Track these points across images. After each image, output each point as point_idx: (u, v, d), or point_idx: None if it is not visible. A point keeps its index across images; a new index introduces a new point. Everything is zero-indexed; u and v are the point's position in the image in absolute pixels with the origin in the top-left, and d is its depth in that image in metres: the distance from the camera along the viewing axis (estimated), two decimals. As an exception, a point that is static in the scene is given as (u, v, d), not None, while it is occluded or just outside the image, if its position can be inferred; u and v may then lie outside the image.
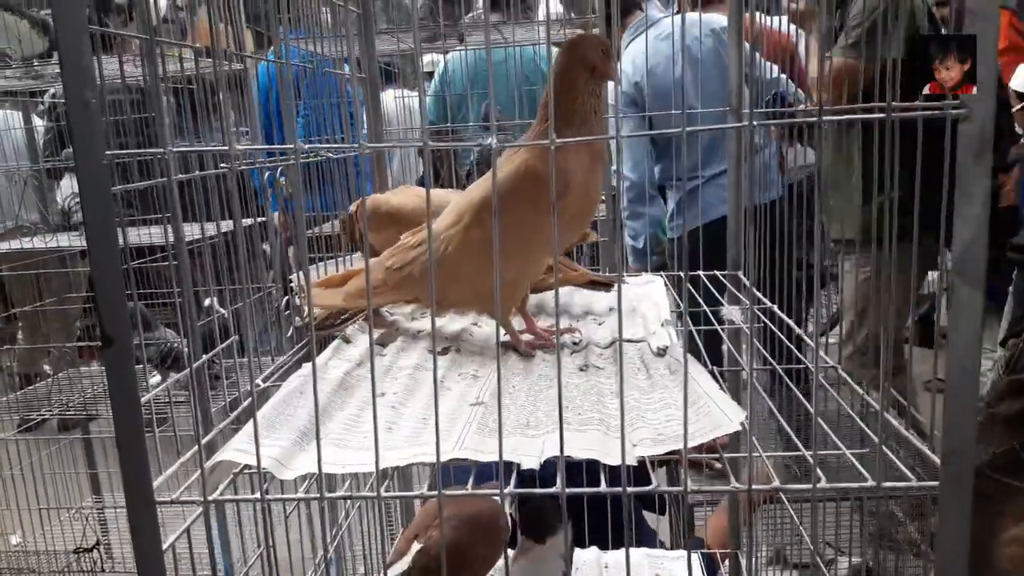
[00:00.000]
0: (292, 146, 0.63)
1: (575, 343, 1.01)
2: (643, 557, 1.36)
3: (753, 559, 1.56)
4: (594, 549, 1.38)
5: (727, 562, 1.40)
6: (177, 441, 0.83)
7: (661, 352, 0.94)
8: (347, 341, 0.99)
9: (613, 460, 0.65)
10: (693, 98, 1.86)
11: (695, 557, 1.30)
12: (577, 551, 1.36)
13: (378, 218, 1.20)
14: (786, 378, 0.85)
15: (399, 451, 0.71)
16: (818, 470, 0.61)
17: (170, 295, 2.32)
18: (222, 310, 2.11)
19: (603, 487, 0.64)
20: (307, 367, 0.89)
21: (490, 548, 1.05)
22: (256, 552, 0.92)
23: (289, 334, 1.01)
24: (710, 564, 1.41)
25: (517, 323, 1.04)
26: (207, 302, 2.39)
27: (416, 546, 1.15)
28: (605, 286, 1.18)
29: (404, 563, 1.10)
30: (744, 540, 1.37)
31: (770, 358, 0.90)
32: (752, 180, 1.24)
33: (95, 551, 2.39)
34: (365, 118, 1.56)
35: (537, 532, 1.02)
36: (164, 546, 0.68)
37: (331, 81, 1.80)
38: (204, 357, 0.88)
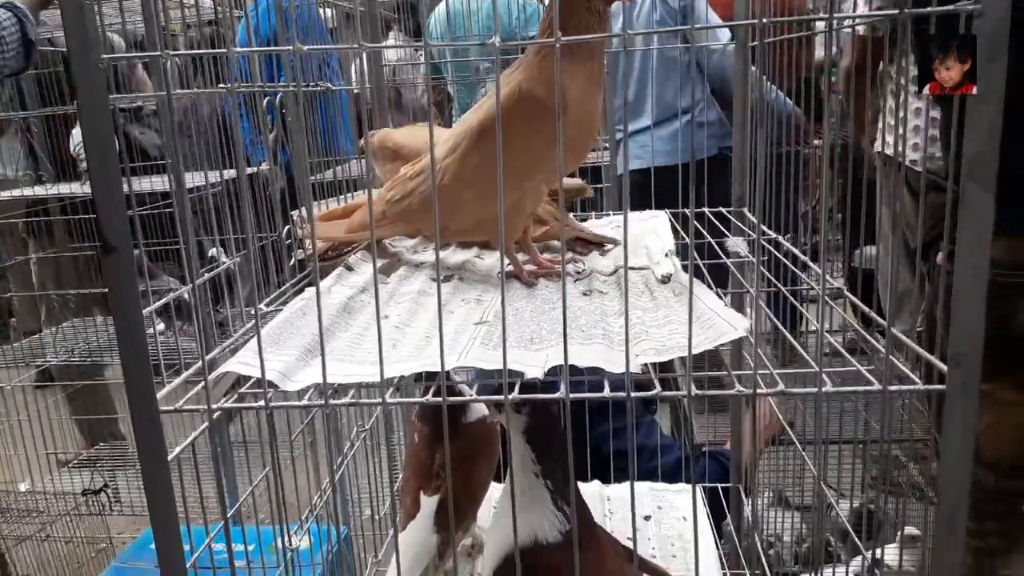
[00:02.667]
0: (291, 47, 0.62)
1: (579, 272, 1.01)
2: (646, 490, 1.37)
3: (757, 499, 1.57)
4: (596, 483, 1.39)
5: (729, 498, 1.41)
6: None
7: (665, 279, 0.94)
8: (350, 269, 0.99)
9: (617, 368, 0.65)
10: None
11: (699, 490, 1.31)
12: (580, 485, 1.37)
13: (383, 152, 1.19)
14: (791, 297, 0.84)
15: (403, 364, 0.71)
16: (823, 375, 0.61)
17: (173, 244, 2.32)
18: (226, 260, 2.10)
19: (607, 392, 0.64)
20: (310, 291, 0.89)
21: (489, 464, 1.07)
22: (262, 477, 0.92)
23: (292, 263, 1.01)
24: (714, 500, 1.42)
25: (521, 256, 1.03)
26: (211, 252, 2.38)
27: (425, 500, 1.16)
28: (594, 245, 1.14)
29: (426, 527, 1.10)
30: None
31: (774, 280, 0.90)
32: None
33: (103, 493, 2.42)
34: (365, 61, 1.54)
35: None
36: (170, 457, 0.68)
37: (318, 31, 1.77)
38: (206, 276, 0.87)
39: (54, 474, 2.47)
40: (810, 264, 0.95)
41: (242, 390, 0.71)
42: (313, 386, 0.67)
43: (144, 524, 2.41)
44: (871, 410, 1.52)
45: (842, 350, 0.67)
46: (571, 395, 0.64)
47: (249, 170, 2.28)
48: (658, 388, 0.64)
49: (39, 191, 2.25)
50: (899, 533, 1.80)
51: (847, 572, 1.86)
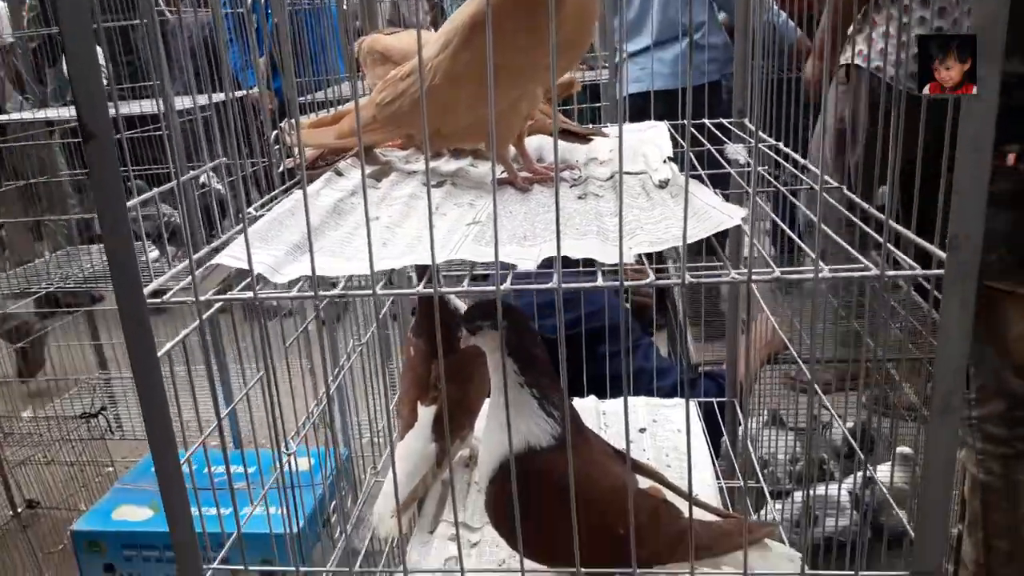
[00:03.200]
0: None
1: (575, 179, 0.99)
2: (641, 404, 1.38)
3: (751, 420, 1.59)
4: (592, 398, 1.40)
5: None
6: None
7: (663, 184, 0.92)
8: (339, 174, 0.97)
9: (611, 259, 0.64)
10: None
11: (693, 405, 1.31)
12: (576, 400, 1.38)
13: (371, 57, 1.16)
14: (790, 196, 0.83)
15: (394, 259, 0.69)
16: (820, 262, 0.60)
17: (163, 168, 2.29)
18: (219, 186, 2.08)
19: (600, 281, 0.63)
20: (298, 193, 0.87)
21: (485, 376, 1.07)
22: (256, 381, 0.92)
23: (280, 170, 0.99)
24: (710, 419, 1.42)
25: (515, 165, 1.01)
26: (202, 177, 2.36)
27: (422, 410, 1.17)
28: (580, 137, 1.13)
29: (424, 435, 1.10)
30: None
31: (775, 182, 0.88)
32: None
33: (101, 416, 2.45)
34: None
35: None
36: (160, 353, 0.68)
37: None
38: (192, 173, 0.86)
39: (55, 400, 2.49)
40: (810, 167, 0.93)
41: (233, 292, 0.71)
42: (303, 279, 0.66)
43: (146, 449, 2.44)
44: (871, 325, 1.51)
45: (839, 240, 0.66)
46: (564, 284, 0.63)
47: (239, 93, 2.24)
48: (652, 277, 0.63)
49: (26, 115, 2.21)
50: (892, 452, 1.82)
51: (839, 489, 1.89)
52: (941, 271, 0.58)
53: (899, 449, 1.82)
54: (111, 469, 2.53)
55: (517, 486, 0.73)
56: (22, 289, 2.25)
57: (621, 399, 1.39)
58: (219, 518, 0.82)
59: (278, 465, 0.89)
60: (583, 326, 1.62)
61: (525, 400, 0.84)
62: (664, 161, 1.00)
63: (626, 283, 0.62)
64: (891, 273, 0.60)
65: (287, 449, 0.89)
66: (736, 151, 1.08)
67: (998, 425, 1.48)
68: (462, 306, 1.22)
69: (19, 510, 2.44)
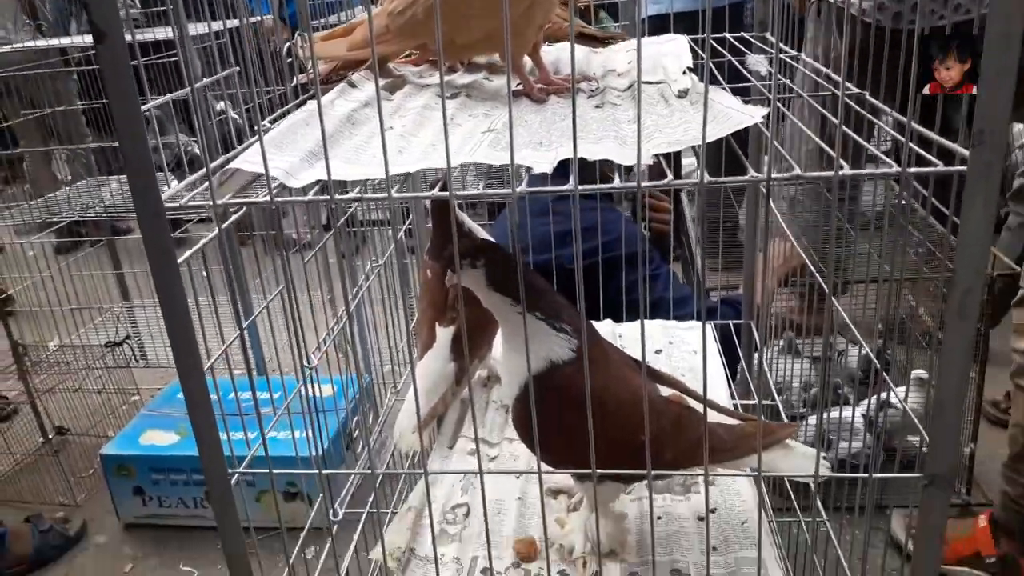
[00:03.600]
0: None
1: (592, 90, 0.97)
2: (657, 327, 1.38)
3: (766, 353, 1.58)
4: (608, 321, 1.40)
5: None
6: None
7: (683, 94, 0.90)
8: (353, 85, 0.96)
9: (628, 161, 0.63)
10: None
11: (709, 327, 1.31)
12: (592, 323, 1.39)
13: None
14: (812, 101, 0.81)
15: (410, 164, 0.69)
16: (840, 160, 0.59)
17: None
18: (235, 116, 2.07)
19: (617, 183, 0.63)
20: (311, 104, 0.87)
21: None
22: (275, 295, 0.93)
23: (294, 83, 0.98)
24: (727, 344, 1.42)
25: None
26: (219, 106, 2.34)
27: (440, 330, 1.17)
28: (598, 40, 1.12)
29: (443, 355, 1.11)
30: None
31: (797, 89, 0.86)
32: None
33: (125, 344, 2.49)
34: None
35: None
36: (180, 260, 0.68)
37: None
38: (206, 80, 0.85)
39: (80, 330, 2.54)
40: (833, 75, 0.91)
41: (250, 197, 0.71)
42: (318, 184, 0.66)
43: (171, 377, 2.49)
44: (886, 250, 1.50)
45: (861, 140, 0.65)
46: (580, 187, 0.62)
47: (253, 19, 2.21)
48: (670, 176, 0.62)
49: (40, 43, 2.19)
50: (907, 375, 1.83)
51: (853, 413, 1.90)
52: (964, 167, 0.57)
53: (914, 372, 1.82)
54: (137, 397, 2.59)
55: (544, 401, 0.74)
56: (44, 219, 2.27)
57: (637, 322, 1.40)
58: (246, 440, 0.84)
59: (300, 380, 0.91)
60: (600, 255, 1.61)
61: (534, 326, 0.84)
62: (684, 72, 0.98)
63: (644, 184, 0.61)
64: (912, 170, 0.59)
65: (308, 363, 0.90)
66: (757, 62, 1.05)
67: None
68: (476, 227, 1.22)
69: (50, 436, 2.52)
